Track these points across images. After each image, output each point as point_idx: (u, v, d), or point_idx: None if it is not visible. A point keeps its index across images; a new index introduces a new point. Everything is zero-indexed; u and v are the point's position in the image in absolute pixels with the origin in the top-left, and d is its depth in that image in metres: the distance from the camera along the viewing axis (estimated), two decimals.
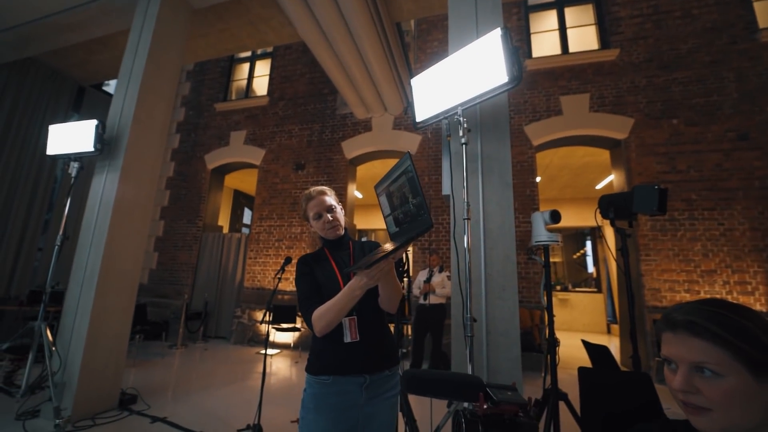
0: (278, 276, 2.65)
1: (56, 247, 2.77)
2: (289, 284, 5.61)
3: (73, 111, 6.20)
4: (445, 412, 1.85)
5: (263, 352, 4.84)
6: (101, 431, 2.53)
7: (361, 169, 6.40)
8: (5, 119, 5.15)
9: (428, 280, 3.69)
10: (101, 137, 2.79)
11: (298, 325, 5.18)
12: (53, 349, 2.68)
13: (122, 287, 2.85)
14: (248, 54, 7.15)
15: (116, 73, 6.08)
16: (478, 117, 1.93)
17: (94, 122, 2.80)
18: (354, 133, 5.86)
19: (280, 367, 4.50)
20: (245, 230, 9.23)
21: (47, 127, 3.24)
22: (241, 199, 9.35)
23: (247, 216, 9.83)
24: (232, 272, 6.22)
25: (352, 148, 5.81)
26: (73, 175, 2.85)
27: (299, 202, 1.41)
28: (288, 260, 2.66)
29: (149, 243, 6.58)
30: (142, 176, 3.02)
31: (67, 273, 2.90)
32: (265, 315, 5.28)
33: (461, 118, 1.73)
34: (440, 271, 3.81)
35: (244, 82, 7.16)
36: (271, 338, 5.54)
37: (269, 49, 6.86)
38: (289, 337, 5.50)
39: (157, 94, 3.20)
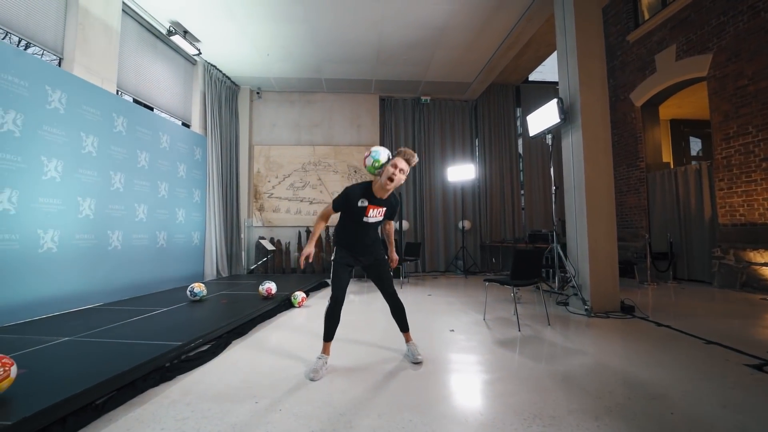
0: None
1: (553, 195, 4.05)
2: None
3: (516, 105, 8.39)
4: None
5: None
6: (616, 323, 3.32)
7: None
8: (488, 132, 8.03)
9: None
10: (563, 109, 3.72)
11: None
12: (568, 261, 3.92)
13: (603, 215, 3.61)
14: None
15: (536, 65, 7.44)
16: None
17: (555, 100, 3.79)
18: None
19: None
20: (694, 163, 7.63)
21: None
22: (682, 128, 7.85)
23: (694, 145, 8.08)
24: (697, 208, 5.47)
25: None
26: (550, 143, 4.02)
27: None
28: None
29: None
30: (597, 128, 3.64)
31: (559, 213, 4.11)
32: None
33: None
34: None
35: None
36: None
37: None
38: None
39: (590, 55, 3.70)
